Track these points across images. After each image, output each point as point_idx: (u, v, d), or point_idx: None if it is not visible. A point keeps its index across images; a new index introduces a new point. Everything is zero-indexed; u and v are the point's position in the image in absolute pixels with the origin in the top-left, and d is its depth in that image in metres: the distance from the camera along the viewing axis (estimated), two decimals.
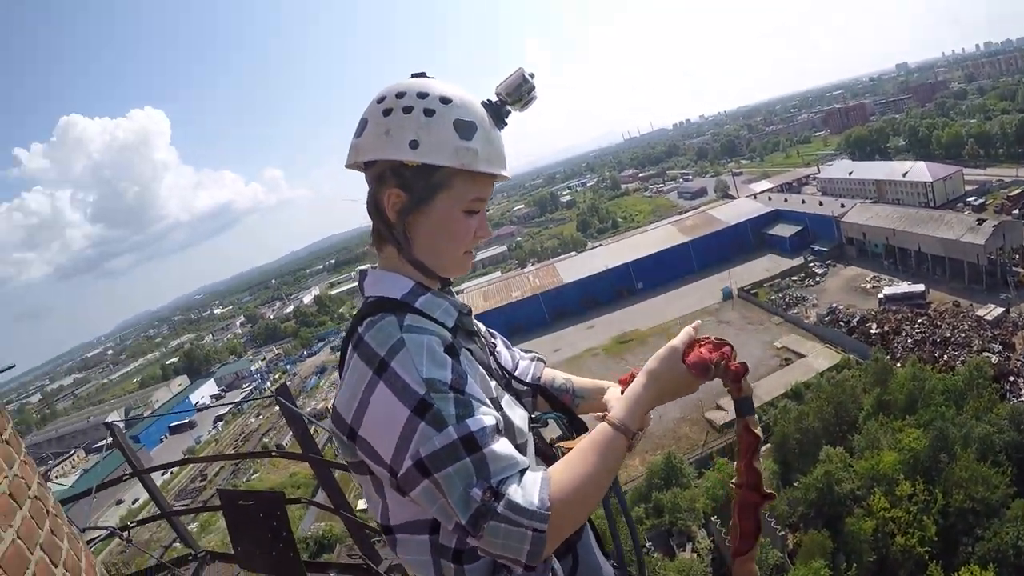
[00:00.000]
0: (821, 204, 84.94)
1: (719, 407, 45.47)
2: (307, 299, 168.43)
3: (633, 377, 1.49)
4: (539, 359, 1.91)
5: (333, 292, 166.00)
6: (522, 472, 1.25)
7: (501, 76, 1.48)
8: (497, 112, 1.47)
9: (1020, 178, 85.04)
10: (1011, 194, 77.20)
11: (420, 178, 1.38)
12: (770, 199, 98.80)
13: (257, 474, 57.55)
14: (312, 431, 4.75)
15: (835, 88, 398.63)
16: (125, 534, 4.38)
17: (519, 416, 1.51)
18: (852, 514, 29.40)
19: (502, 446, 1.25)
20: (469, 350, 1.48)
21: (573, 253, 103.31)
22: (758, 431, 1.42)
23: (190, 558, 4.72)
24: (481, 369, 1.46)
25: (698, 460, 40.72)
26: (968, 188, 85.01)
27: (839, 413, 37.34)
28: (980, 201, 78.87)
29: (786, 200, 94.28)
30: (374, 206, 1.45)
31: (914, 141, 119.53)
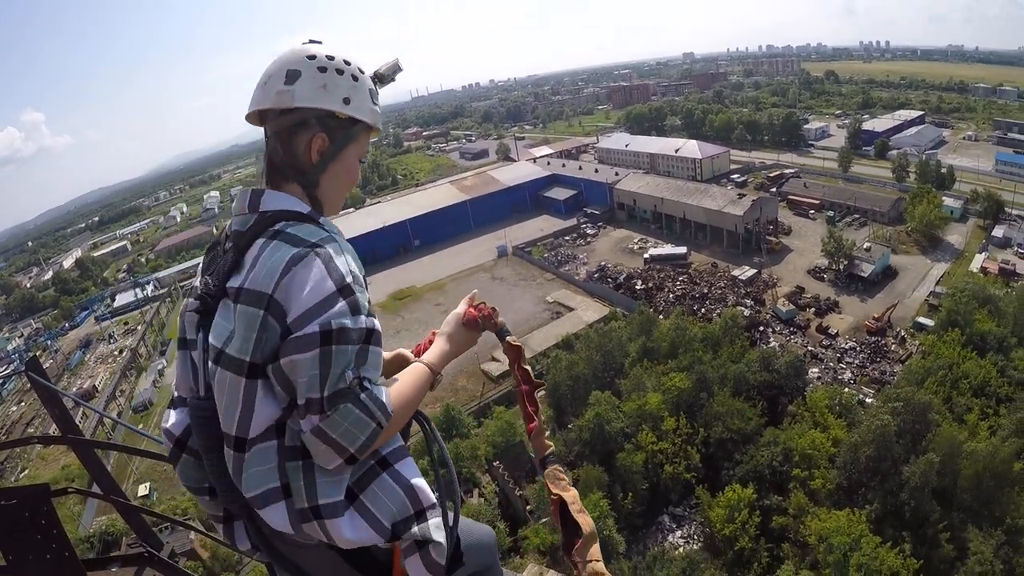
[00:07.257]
0: (597, 171, 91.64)
1: (494, 359, 46.82)
2: (67, 263, 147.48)
3: (430, 342, 2.07)
4: None
5: (97, 254, 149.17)
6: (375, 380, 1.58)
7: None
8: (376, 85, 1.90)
9: (780, 162, 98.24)
10: (770, 175, 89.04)
11: (342, 129, 1.77)
12: (549, 164, 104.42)
13: (26, 471, 52.03)
14: (80, 414, 3.77)
15: (624, 67, 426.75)
16: None
17: None
18: (623, 449, 32.67)
19: (381, 352, 1.63)
20: None
21: (351, 209, 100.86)
22: (515, 342, 2.11)
23: None
24: None
25: (477, 410, 42.13)
26: (733, 167, 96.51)
27: (607, 360, 40.27)
28: (743, 179, 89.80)
29: (564, 166, 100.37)
30: (290, 148, 1.74)
31: (689, 122, 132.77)
